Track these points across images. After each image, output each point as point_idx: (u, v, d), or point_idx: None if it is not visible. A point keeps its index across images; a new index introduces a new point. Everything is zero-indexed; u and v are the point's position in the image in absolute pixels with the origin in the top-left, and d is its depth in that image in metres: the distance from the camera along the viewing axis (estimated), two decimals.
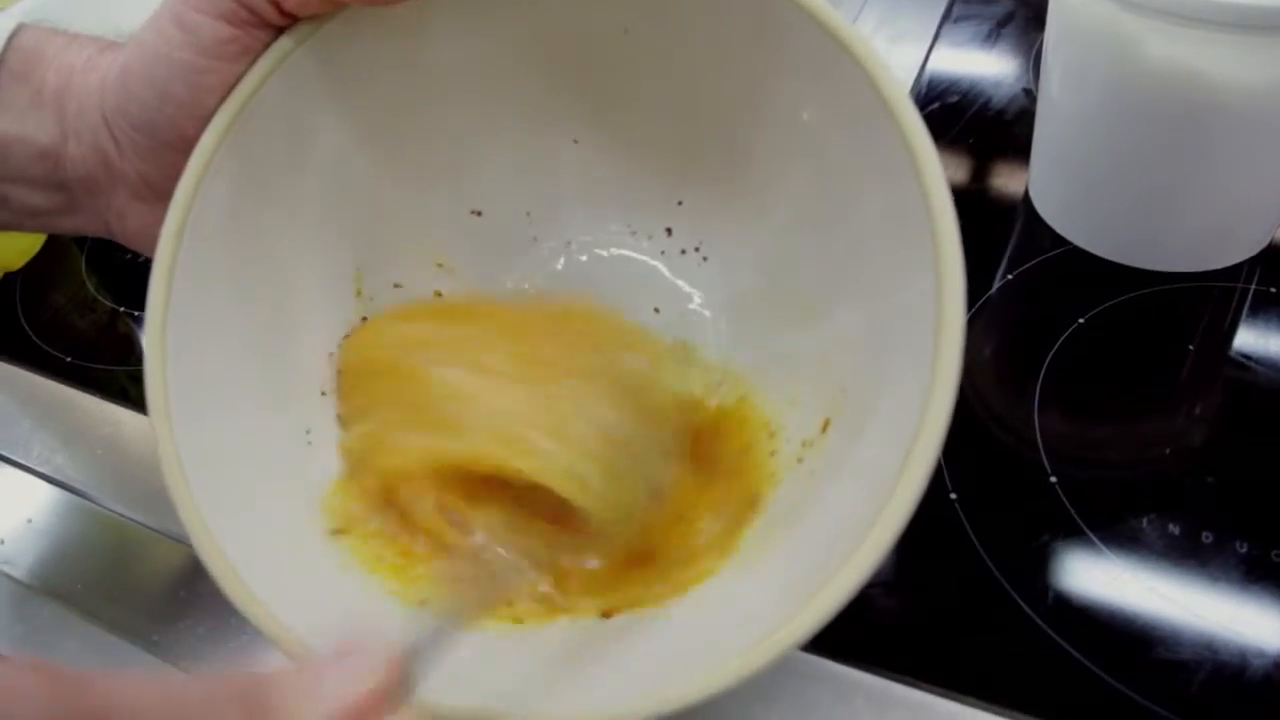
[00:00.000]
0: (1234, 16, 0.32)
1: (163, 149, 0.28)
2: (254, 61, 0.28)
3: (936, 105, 0.53)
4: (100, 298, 0.54)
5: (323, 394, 0.31)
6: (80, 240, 0.57)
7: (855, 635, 0.32)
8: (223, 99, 0.27)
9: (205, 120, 0.27)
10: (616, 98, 0.33)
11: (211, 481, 0.25)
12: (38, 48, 0.29)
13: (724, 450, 0.33)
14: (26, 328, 0.52)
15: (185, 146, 0.27)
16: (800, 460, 0.30)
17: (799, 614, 0.21)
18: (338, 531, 0.28)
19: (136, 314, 0.52)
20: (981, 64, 0.55)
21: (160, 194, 0.28)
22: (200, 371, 0.27)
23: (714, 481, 0.32)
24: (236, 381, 0.28)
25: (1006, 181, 0.48)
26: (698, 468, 0.32)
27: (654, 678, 0.23)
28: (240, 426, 0.28)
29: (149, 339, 0.26)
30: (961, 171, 0.49)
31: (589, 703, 0.22)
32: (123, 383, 0.49)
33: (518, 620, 0.28)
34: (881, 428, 0.25)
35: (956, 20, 0.58)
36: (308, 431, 0.30)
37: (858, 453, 0.27)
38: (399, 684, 0.19)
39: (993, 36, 0.56)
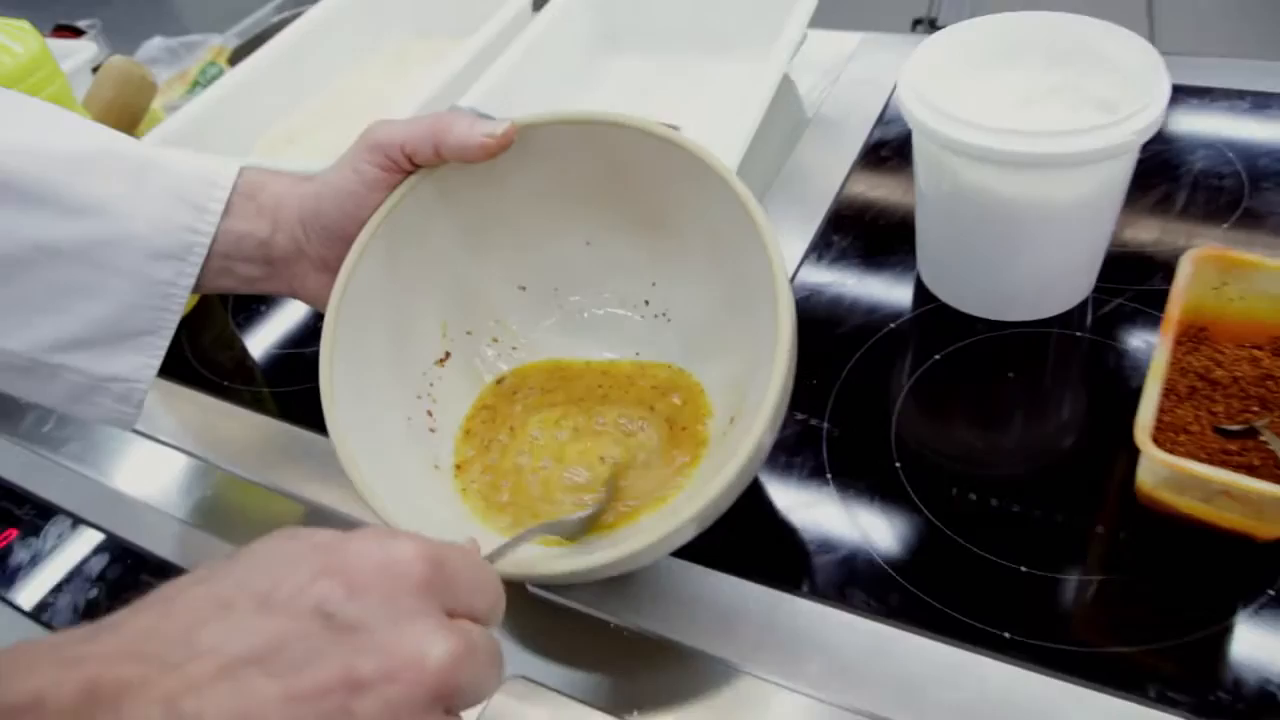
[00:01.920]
0: (1004, 157, 0.49)
1: (336, 240, 0.47)
2: (393, 189, 0.46)
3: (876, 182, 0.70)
4: (238, 340, 0.73)
5: (417, 398, 0.50)
6: (224, 298, 0.76)
7: (751, 557, 0.49)
8: (373, 211, 0.46)
9: (363, 224, 0.46)
10: (613, 216, 0.51)
11: (357, 441, 0.43)
12: (258, 180, 0.49)
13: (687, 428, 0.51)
14: (191, 358, 0.71)
15: (349, 240, 0.46)
16: (718, 442, 0.48)
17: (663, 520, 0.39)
18: (457, 467, 0.48)
19: (258, 351, 0.71)
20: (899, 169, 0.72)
21: (331, 268, 0.47)
22: (351, 376, 0.45)
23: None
24: (370, 384, 0.47)
25: (909, 256, 0.65)
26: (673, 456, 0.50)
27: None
28: (371, 411, 0.46)
29: (324, 356, 0.44)
30: (882, 248, 0.66)
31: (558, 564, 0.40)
32: (247, 399, 0.67)
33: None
34: (749, 418, 0.43)
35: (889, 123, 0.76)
36: (408, 419, 0.49)
37: (738, 431, 0.44)
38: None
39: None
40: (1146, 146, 0.67)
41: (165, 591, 0.28)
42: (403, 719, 0.27)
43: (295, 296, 0.50)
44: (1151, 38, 1.82)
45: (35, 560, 0.58)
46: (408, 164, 0.47)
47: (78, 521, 0.60)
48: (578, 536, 0.46)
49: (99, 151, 0.47)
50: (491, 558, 0.38)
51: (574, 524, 0.46)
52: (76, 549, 0.58)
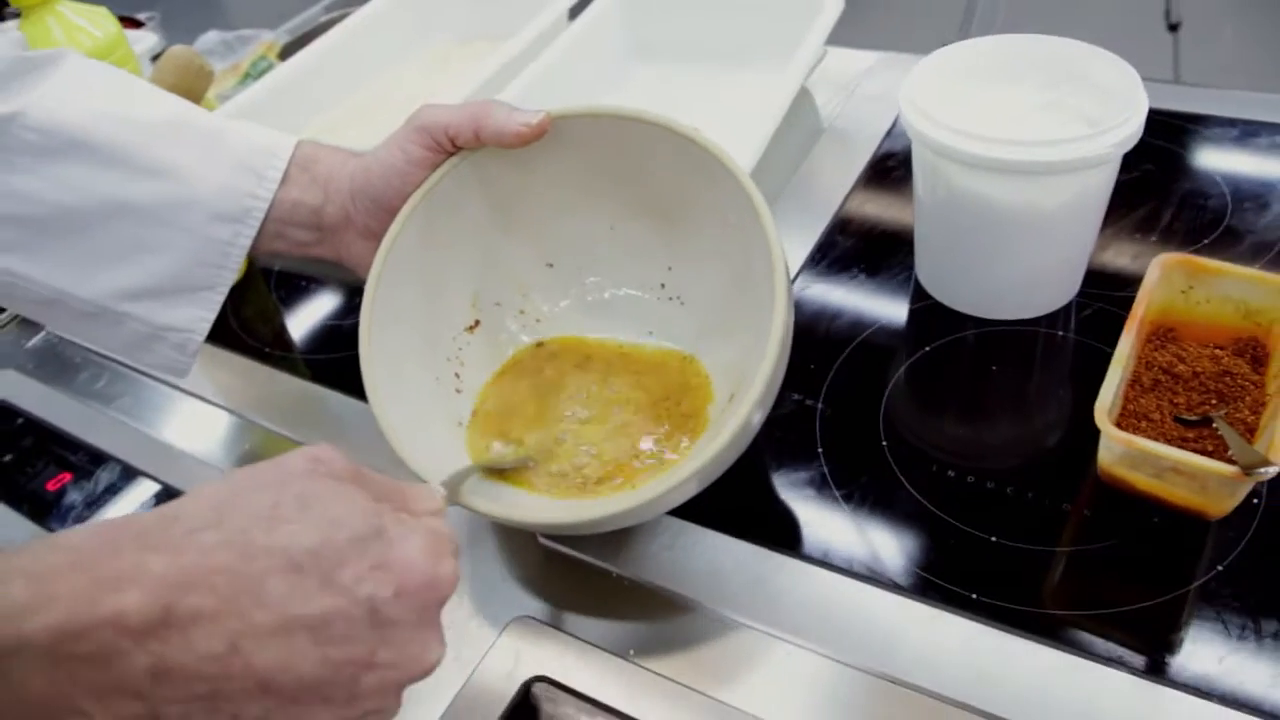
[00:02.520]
0: (993, 164, 0.53)
1: (381, 211, 0.52)
2: (435, 168, 0.51)
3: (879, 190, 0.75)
4: (278, 312, 0.78)
5: (447, 360, 0.55)
6: (268, 274, 0.81)
7: (745, 519, 0.53)
8: (417, 187, 0.51)
9: (406, 198, 0.51)
10: (634, 204, 0.56)
11: (389, 393, 0.48)
12: (313, 153, 0.54)
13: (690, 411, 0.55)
14: (235, 327, 0.76)
15: (393, 211, 0.51)
16: (717, 420, 0.52)
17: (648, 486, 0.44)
18: (474, 412, 0.54)
19: (296, 322, 0.76)
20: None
21: (375, 236, 0.52)
22: (388, 336, 0.50)
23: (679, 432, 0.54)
24: (404, 344, 0.52)
25: (907, 257, 0.69)
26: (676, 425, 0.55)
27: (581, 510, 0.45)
28: (404, 368, 0.51)
29: (364, 315, 0.49)
30: (881, 250, 0.71)
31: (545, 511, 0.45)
32: (286, 365, 0.72)
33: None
34: (745, 391, 0.47)
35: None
36: (436, 379, 0.54)
37: (734, 404, 0.49)
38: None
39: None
40: (1138, 165, 0.71)
41: (238, 520, 0.31)
42: (388, 695, 0.34)
43: (340, 261, 0.55)
44: (1175, 67, 1.87)
45: (88, 502, 0.63)
46: (450, 146, 0.51)
47: (127, 468, 0.65)
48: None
49: (172, 120, 0.52)
50: (450, 494, 0.42)
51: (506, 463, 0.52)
52: (125, 493, 0.63)
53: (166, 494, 0.63)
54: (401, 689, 0.34)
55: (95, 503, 0.63)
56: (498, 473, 0.52)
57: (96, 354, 0.75)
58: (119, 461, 0.66)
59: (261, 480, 0.33)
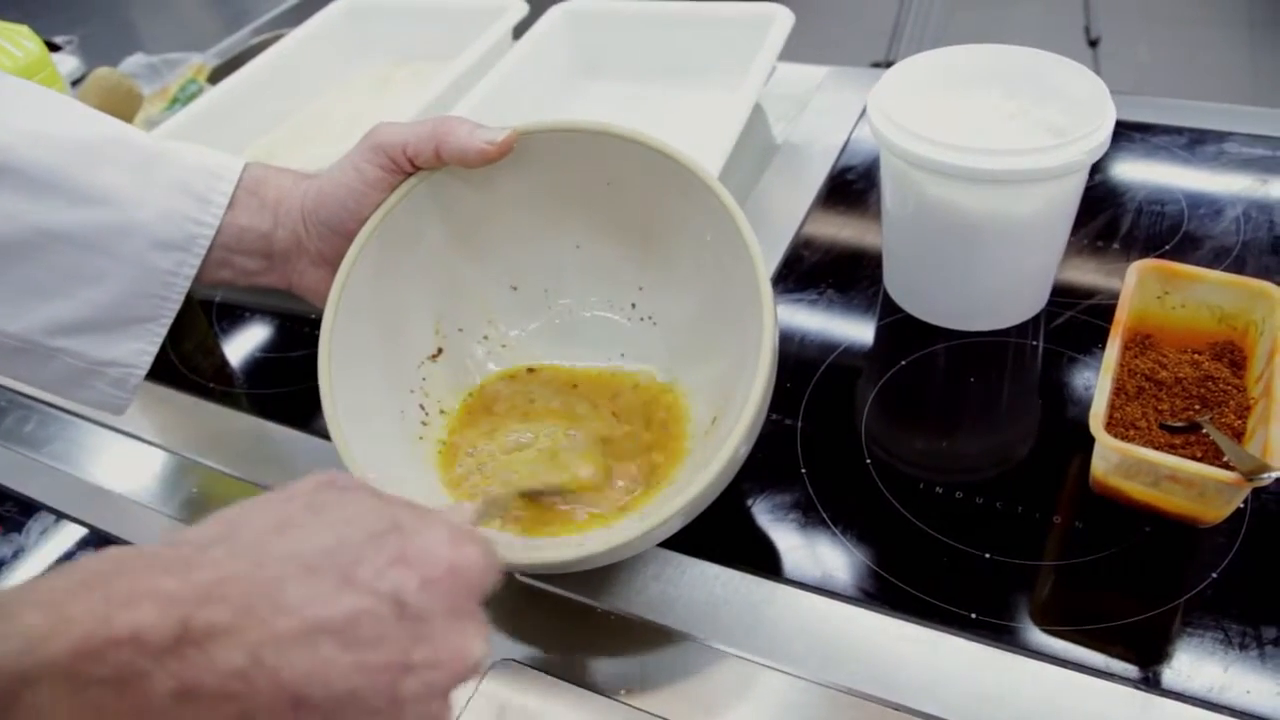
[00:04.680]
0: (967, 173, 0.53)
1: (335, 236, 0.49)
2: (393, 190, 0.48)
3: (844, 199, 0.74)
4: (219, 345, 0.74)
5: (410, 391, 0.52)
6: (207, 308, 0.77)
7: (731, 547, 0.51)
8: (374, 210, 0.48)
9: (362, 222, 0.48)
10: (603, 222, 0.54)
11: (353, 431, 0.45)
12: (262, 175, 0.50)
13: (669, 438, 0.53)
14: (175, 361, 0.72)
15: (349, 236, 0.48)
16: (700, 443, 0.50)
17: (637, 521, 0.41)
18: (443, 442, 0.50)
19: (239, 355, 0.72)
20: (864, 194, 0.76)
21: (329, 263, 0.49)
22: (348, 369, 0.47)
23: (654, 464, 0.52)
24: (366, 376, 0.48)
25: (874, 271, 0.68)
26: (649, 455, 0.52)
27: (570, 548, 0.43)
28: (367, 402, 0.48)
29: (323, 343, 0.46)
30: (848, 265, 0.70)
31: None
32: (228, 400, 0.68)
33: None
34: (732, 417, 0.45)
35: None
36: (402, 412, 0.50)
37: (719, 433, 0.47)
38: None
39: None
40: (1095, 175, 0.72)
41: (248, 533, 0.30)
42: (434, 698, 0.31)
43: (291, 290, 0.52)
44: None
45: (18, 555, 0.58)
46: (409, 165, 0.49)
47: (60, 517, 0.60)
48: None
49: (108, 141, 0.48)
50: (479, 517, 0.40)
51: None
52: (60, 543, 0.59)
53: (106, 544, 0.58)
54: (448, 691, 0.32)
55: (26, 554, 0.58)
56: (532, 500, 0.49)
57: (22, 394, 0.70)
58: (52, 510, 0.61)
59: (270, 499, 0.32)
